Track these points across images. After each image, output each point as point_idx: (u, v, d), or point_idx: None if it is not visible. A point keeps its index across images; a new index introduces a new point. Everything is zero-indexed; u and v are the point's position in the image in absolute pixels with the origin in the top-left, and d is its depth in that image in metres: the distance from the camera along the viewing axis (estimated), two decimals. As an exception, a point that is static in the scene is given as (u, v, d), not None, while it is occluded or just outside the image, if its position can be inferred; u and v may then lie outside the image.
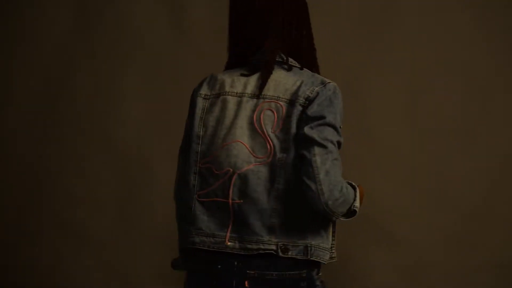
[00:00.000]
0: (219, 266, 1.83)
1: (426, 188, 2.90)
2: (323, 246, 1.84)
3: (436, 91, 2.93)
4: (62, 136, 3.25)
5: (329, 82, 1.86)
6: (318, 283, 1.86)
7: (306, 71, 1.90)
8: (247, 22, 1.92)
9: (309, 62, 1.95)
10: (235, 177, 1.83)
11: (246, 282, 1.80)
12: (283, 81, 1.86)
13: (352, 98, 2.91)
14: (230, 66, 1.97)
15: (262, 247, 1.81)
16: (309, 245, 1.82)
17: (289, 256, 1.81)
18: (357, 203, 1.85)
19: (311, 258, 1.82)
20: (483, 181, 2.88)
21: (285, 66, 1.89)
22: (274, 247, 1.81)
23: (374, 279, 2.91)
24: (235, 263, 1.82)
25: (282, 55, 1.90)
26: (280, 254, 1.80)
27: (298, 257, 1.81)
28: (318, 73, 1.94)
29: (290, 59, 1.91)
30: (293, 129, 1.82)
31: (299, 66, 1.91)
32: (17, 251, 3.28)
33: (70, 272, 3.20)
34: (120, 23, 3.22)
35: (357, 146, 2.89)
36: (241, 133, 1.84)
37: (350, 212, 1.84)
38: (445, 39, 2.93)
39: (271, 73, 1.88)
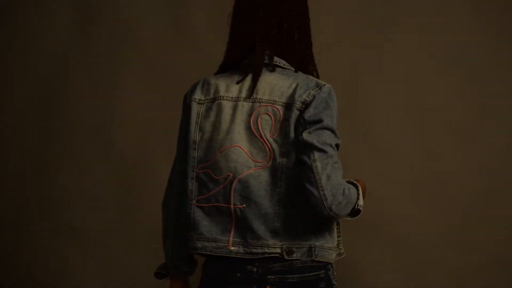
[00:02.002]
0: (238, 275, 1.83)
1: (426, 188, 2.90)
2: (327, 246, 1.86)
3: (435, 91, 2.93)
4: (62, 136, 3.25)
5: (324, 84, 1.85)
6: (334, 282, 1.89)
7: (300, 73, 1.90)
8: (241, 24, 1.92)
9: (305, 62, 1.94)
10: (235, 182, 1.83)
11: (267, 287, 1.82)
12: (279, 84, 1.86)
13: (351, 98, 2.91)
14: (224, 69, 1.97)
15: (267, 250, 1.82)
16: (312, 246, 1.83)
17: (294, 258, 1.82)
18: (360, 202, 1.85)
19: (316, 259, 1.83)
20: (483, 181, 2.88)
21: (270, 68, 1.88)
22: (279, 250, 1.82)
23: (374, 279, 2.91)
24: (254, 269, 1.83)
25: (272, 57, 1.89)
26: (286, 256, 1.81)
27: (303, 259, 1.82)
28: (316, 72, 1.95)
29: (280, 60, 1.90)
30: (292, 133, 1.82)
31: (289, 68, 1.91)
32: (17, 251, 3.28)
33: (70, 272, 3.20)
34: (120, 23, 3.22)
35: (357, 146, 2.89)
36: (239, 138, 1.84)
37: (355, 212, 1.85)
38: (445, 39, 2.93)
39: (259, 75, 1.88)
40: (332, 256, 1.87)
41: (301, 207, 1.83)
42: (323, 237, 1.85)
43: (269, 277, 1.81)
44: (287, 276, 1.82)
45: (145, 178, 3.15)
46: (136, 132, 3.18)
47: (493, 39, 2.91)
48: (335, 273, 1.90)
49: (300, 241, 1.83)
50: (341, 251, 1.96)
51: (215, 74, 1.98)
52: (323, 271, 1.85)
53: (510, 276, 2.86)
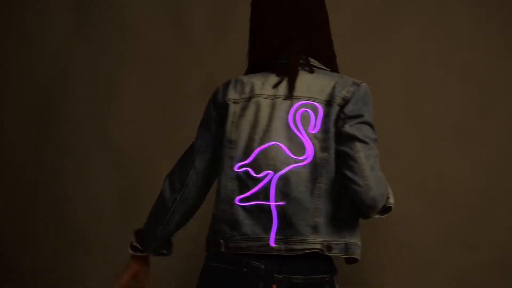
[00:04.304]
0: (245, 270, 1.85)
1: (426, 188, 2.90)
2: (358, 244, 1.90)
3: (436, 91, 2.93)
4: (62, 136, 3.25)
5: (361, 82, 1.91)
6: (338, 286, 1.90)
7: (334, 73, 1.94)
8: (271, 25, 1.93)
9: (332, 61, 1.98)
10: (276, 179, 1.84)
11: (273, 286, 1.83)
12: (316, 82, 1.89)
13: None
14: (254, 69, 1.97)
15: (307, 247, 1.84)
16: (348, 243, 1.87)
17: (333, 254, 1.85)
18: (391, 200, 1.93)
19: (353, 256, 1.87)
20: (483, 181, 2.88)
21: (307, 68, 1.92)
22: (319, 246, 1.84)
23: (374, 279, 2.91)
24: (262, 266, 1.84)
25: (308, 58, 1.92)
26: (326, 252, 1.84)
27: (341, 255, 1.86)
28: (338, 71, 1.99)
29: (313, 60, 1.93)
30: (332, 129, 1.85)
31: (324, 68, 1.94)
32: (17, 251, 3.28)
33: (70, 272, 3.20)
34: (120, 23, 3.23)
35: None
36: (278, 135, 1.86)
37: (385, 209, 1.92)
38: (445, 39, 2.93)
39: (297, 75, 1.89)
40: (359, 253, 1.91)
41: (340, 202, 1.86)
42: (356, 234, 1.90)
43: (276, 275, 1.83)
44: (293, 276, 1.83)
45: (145, 178, 3.15)
46: (136, 131, 3.18)
47: (494, 39, 2.91)
48: (338, 278, 1.92)
49: (337, 237, 1.86)
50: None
51: (246, 74, 1.98)
52: (328, 275, 1.87)
53: (510, 276, 2.86)
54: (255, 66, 1.96)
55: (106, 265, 3.17)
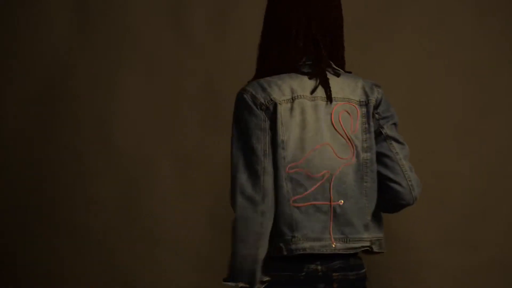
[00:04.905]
0: (303, 274, 1.84)
1: (426, 188, 2.89)
2: (384, 238, 1.95)
3: (437, 91, 2.93)
4: (62, 136, 3.25)
5: (379, 84, 1.97)
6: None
7: (353, 74, 1.97)
8: (294, 26, 1.92)
9: (342, 67, 2.00)
10: (333, 179, 1.86)
11: (334, 285, 1.85)
12: (346, 84, 1.92)
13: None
14: (272, 71, 1.92)
15: (363, 244, 1.89)
16: (380, 238, 1.93)
17: (375, 250, 1.91)
18: None
19: (384, 251, 1.93)
20: (483, 181, 2.88)
21: (330, 70, 1.92)
22: (369, 244, 1.90)
23: (374, 279, 2.91)
24: (319, 268, 1.84)
25: (329, 61, 1.94)
26: (374, 249, 1.90)
27: (378, 251, 1.92)
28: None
29: (332, 64, 1.95)
30: (372, 128, 1.90)
31: (341, 70, 1.96)
32: (17, 251, 3.27)
33: (70, 272, 3.20)
34: (120, 23, 3.22)
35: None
36: (326, 136, 1.87)
37: None
38: (446, 39, 2.93)
39: (327, 77, 1.90)
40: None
41: (377, 200, 1.92)
42: (383, 229, 1.95)
43: (333, 274, 1.85)
44: (348, 273, 1.87)
45: (145, 178, 3.15)
46: (136, 131, 3.18)
47: (495, 39, 2.91)
48: None
49: (375, 233, 1.91)
50: None
51: (262, 76, 1.92)
52: (365, 269, 1.94)
53: (510, 276, 2.86)
54: (275, 68, 1.92)
55: (106, 265, 3.17)
